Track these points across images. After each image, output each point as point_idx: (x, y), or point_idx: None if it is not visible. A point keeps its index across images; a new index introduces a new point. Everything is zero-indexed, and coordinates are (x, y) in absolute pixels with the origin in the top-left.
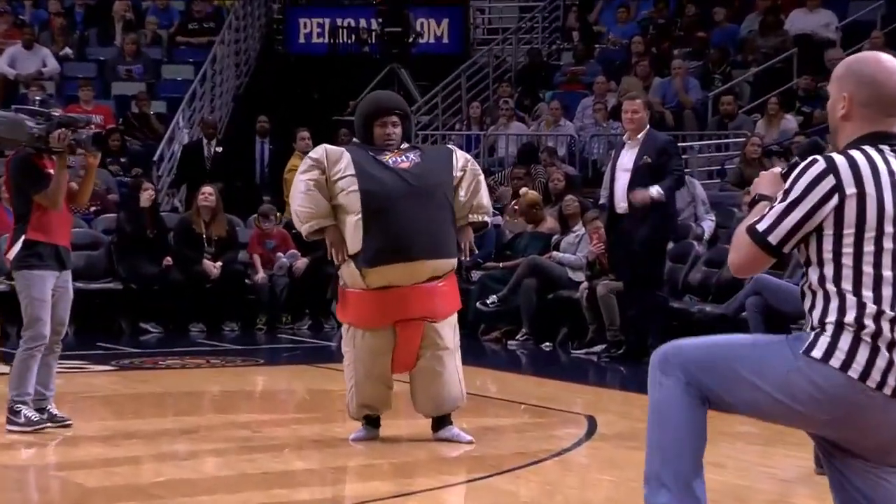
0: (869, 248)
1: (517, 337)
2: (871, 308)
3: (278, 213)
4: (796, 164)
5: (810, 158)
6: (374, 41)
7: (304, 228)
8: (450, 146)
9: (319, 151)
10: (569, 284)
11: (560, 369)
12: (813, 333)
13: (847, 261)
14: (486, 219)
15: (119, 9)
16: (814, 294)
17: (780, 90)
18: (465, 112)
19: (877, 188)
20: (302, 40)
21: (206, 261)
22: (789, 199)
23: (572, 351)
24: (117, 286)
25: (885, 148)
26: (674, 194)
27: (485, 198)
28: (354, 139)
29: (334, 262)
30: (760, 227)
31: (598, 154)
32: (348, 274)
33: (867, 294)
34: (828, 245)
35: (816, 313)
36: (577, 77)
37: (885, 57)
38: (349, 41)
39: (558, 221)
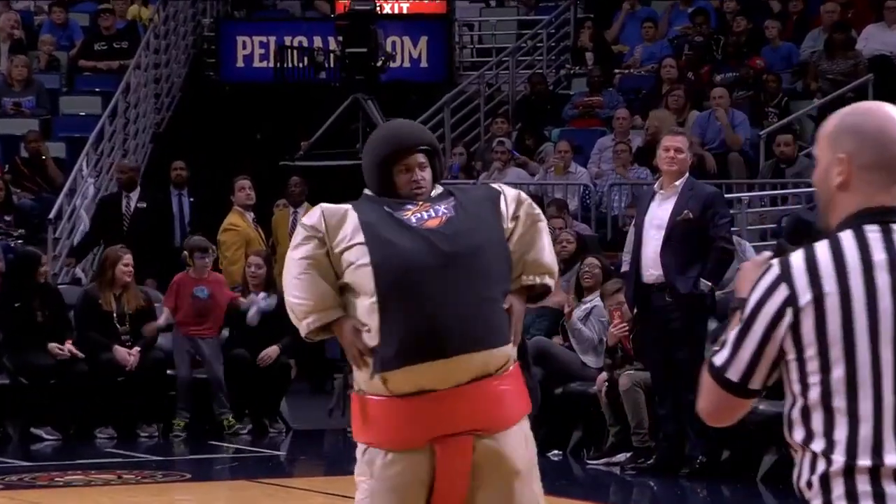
0: (838, 371)
1: None
2: (839, 461)
3: (213, 248)
4: (783, 251)
5: (770, 264)
6: (332, 65)
7: (302, 327)
8: (496, 185)
9: (315, 216)
10: (583, 375)
11: (573, 484)
12: None
13: (814, 394)
14: (548, 281)
15: (5, 24)
16: (791, 446)
17: None
18: (448, 155)
19: (841, 286)
20: (240, 64)
21: (117, 347)
22: (743, 321)
23: (588, 461)
24: (2, 381)
25: (874, 230)
26: (721, 272)
27: (546, 252)
28: (365, 191)
29: (355, 370)
30: (718, 360)
31: (619, 209)
32: (366, 378)
33: (839, 438)
34: (794, 376)
35: (795, 473)
36: (592, 110)
37: (888, 107)
38: (301, 65)
39: (573, 292)
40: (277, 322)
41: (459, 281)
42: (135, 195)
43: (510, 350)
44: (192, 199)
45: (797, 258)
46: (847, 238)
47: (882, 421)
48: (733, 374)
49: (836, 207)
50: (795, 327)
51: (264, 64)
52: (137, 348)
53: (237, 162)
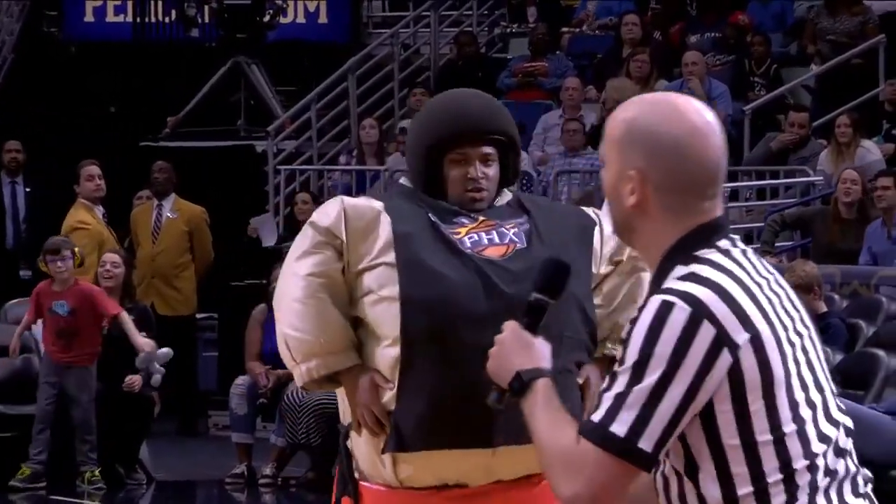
0: (782, 400)
1: None
2: (822, 481)
3: (77, 251)
4: (538, 309)
5: (657, 304)
6: (207, 20)
7: (299, 374)
8: (591, 212)
9: (332, 213)
10: None
11: None
12: None
13: (764, 437)
14: None
15: None
16: None
17: (858, 101)
18: (353, 134)
19: (766, 318)
20: (89, 18)
21: None
22: (650, 377)
23: None
24: None
25: (728, 245)
26: None
27: None
28: (402, 179)
29: (355, 439)
30: (618, 429)
31: (567, 200)
32: (364, 455)
33: (802, 476)
34: (728, 426)
35: None
36: (534, 79)
37: (685, 102)
38: (167, 20)
39: None
40: (130, 343)
41: None
42: None
43: None
44: (27, 190)
45: (701, 290)
46: (722, 260)
47: (827, 456)
48: (647, 444)
49: (642, 231)
50: (736, 370)
51: (120, 18)
52: None
53: (86, 142)
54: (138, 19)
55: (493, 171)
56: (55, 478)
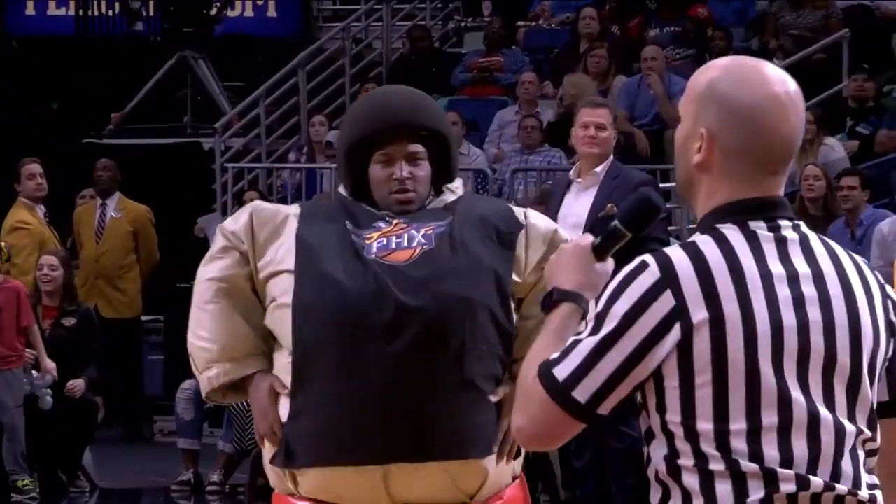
0: (738, 394)
1: None
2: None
3: (3, 246)
4: (612, 236)
5: (637, 261)
6: (152, 14)
7: (202, 382)
8: (520, 211)
9: (241, 219)
10: None
11: None
12: None
13: (705, 425)
14: None
15: None
16: (664, 488)
17: (822, 97)
18: (303, 131)
19: (742, 305)
20: (31, 12)
21: None
22: (604, 330)
23: None
24: None
25: (761, 227)
26: None
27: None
28: (340, 187)
29: (264, 453)
30: (560, 372)
31: (523, 198)
32: (268, 465)
33: (751, 467)
34: (673, 402)
35: None
36: (490, 74)
37: (771, 71)
38: (110, 13)
39: None
40: (78, 347)
41: (419, 351)
42: None
43: (491, 465)
44: None
45: (680, 258)
46: (736, 238)
47: (793, 458)
48: (581, 394)
49: (699, 190)
50: (685, 348)
51: (62, 11)
52: None
53: (27, 139)
54: (81, 13)
55: (422, 171)
56: None
